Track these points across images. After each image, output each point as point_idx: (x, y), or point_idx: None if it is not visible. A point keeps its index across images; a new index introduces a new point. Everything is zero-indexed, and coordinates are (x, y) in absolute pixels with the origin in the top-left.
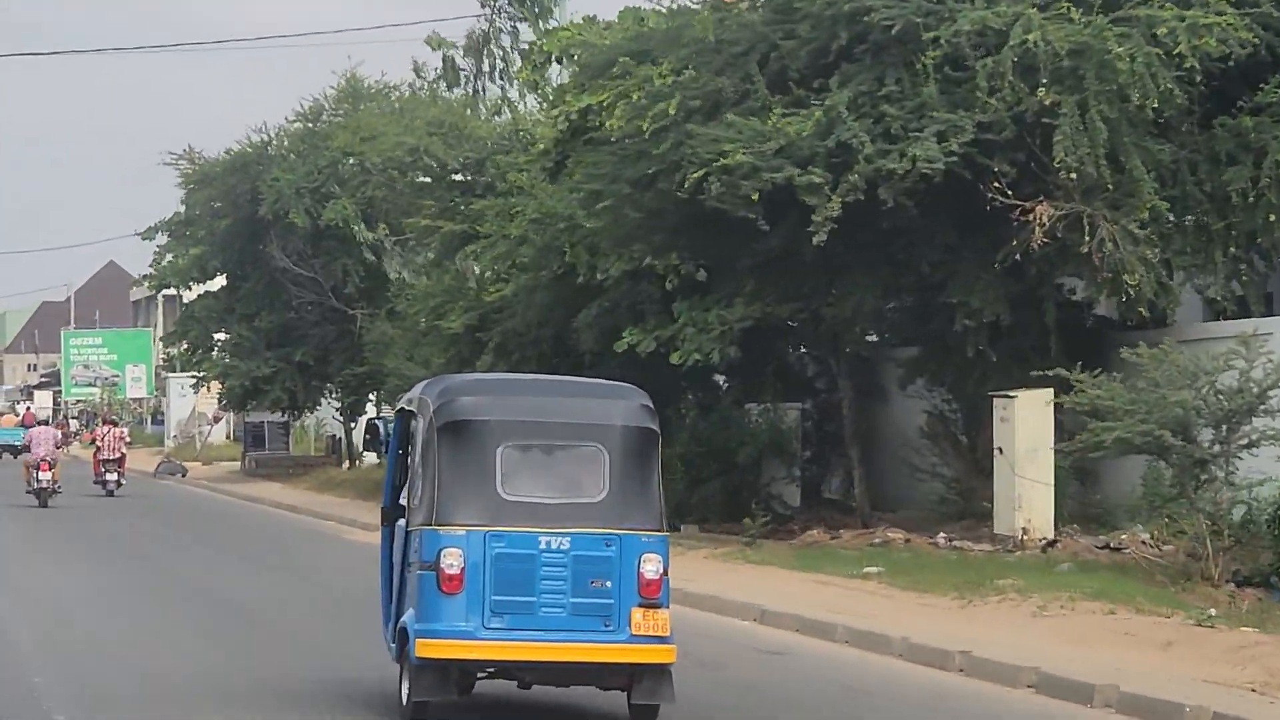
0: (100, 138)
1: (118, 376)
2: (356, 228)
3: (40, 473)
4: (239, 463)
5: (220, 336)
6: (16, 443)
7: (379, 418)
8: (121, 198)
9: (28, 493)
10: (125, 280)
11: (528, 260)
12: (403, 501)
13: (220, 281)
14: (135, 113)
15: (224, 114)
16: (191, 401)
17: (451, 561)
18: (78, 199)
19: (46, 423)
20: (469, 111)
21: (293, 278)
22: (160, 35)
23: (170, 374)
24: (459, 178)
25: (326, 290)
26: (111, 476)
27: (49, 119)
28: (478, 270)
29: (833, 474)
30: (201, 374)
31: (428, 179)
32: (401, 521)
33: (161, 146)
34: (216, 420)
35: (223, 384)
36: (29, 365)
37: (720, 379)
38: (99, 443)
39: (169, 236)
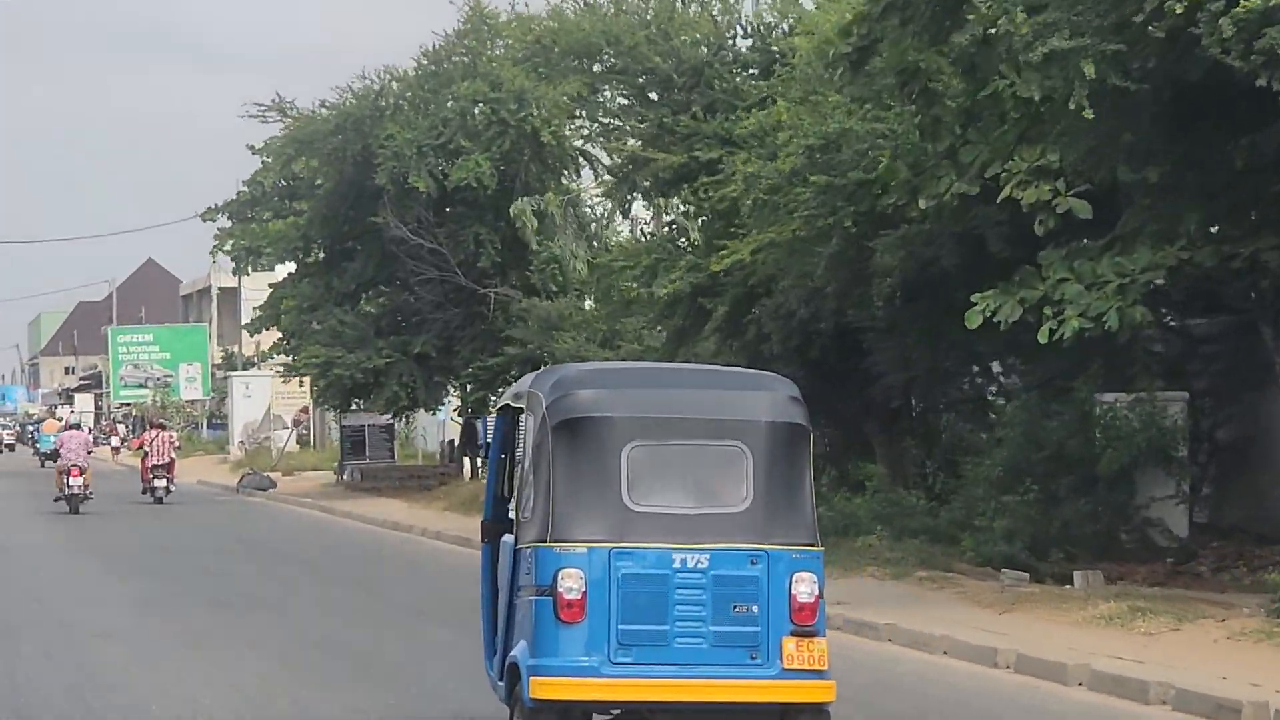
0: (137, 128)
1: (170, 376)
2: (490, 187)
3: (71, 478)
4: (329, 473)
5: (311, 327)
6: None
7: (474, 417)
8: (161, 192)
9: (56, 500)
10: (165, 278)
11: (803, 204)
12: (512, 515)
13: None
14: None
15: None
16: (260, 402)
17: (571, 585)
18: (113, 192)
19: (77, 426)
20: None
21: (410, 250)
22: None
23: (233, 373)
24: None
25: (453, 265)
26: (160, 483)
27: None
28: (698, 222)
29: (1230, 490)
30: (297, 368)
31: (623, 98)
32: (507, 538)
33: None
34: (298, 424)
35: (322, 380)
36: (66, 368)
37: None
38: (147, 448)
39: (232, 219)
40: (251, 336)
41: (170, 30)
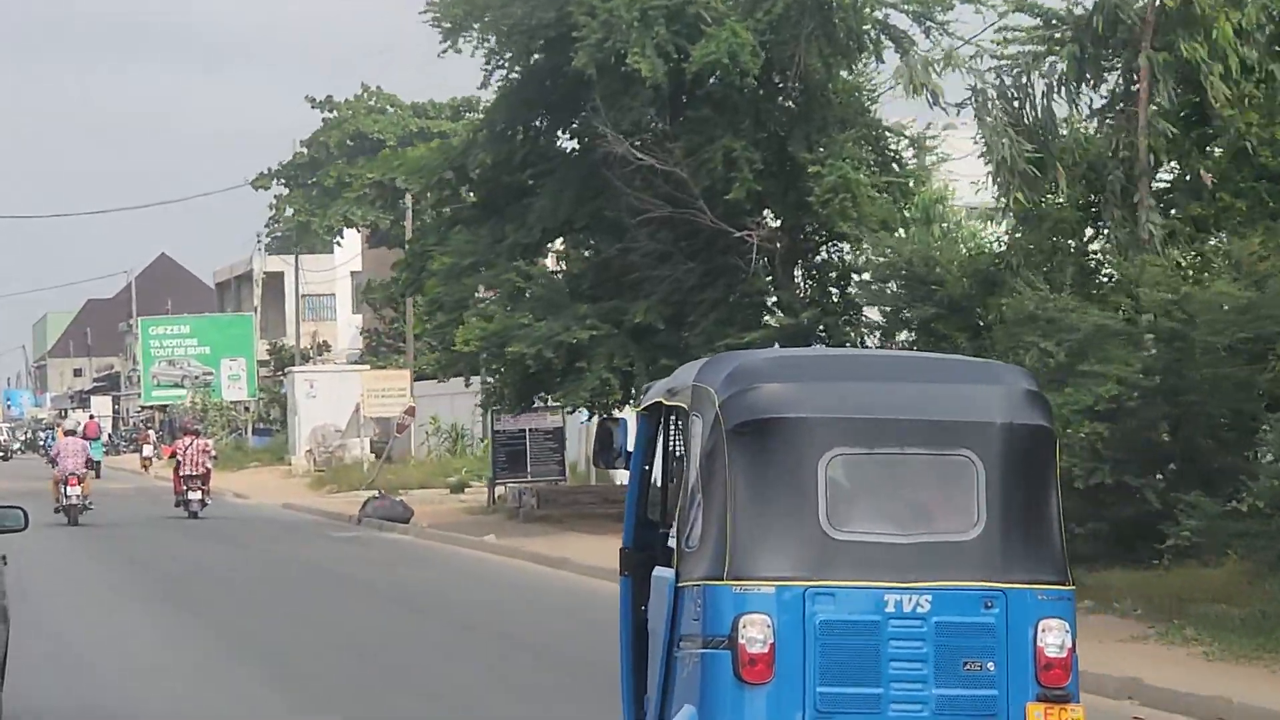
0: (146, 124)
1: (211, 375)
2: (750, 74)
3: (69, 488)
4: (444, 492)
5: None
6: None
7: (609, 418)
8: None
9: (56, 510)
10: (181, 274)
11: None
12: (670, 543)
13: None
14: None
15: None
16: (326, 403)
17: (755, 635)
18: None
19: (74, 433)
20: None
21: (626, 176)
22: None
23: (296, 368)
24: None
25: (692, 195)
26: (195, 496)
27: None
28: None
29: None
30: (449, 355)
31: None
32: (662, 572)
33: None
34: (402, 429)
35: (493, 363)
36: (75, 370)
37: None
38: (179, 457)
39: (288, 186)
40: (380, 310)
41: (176, 26)
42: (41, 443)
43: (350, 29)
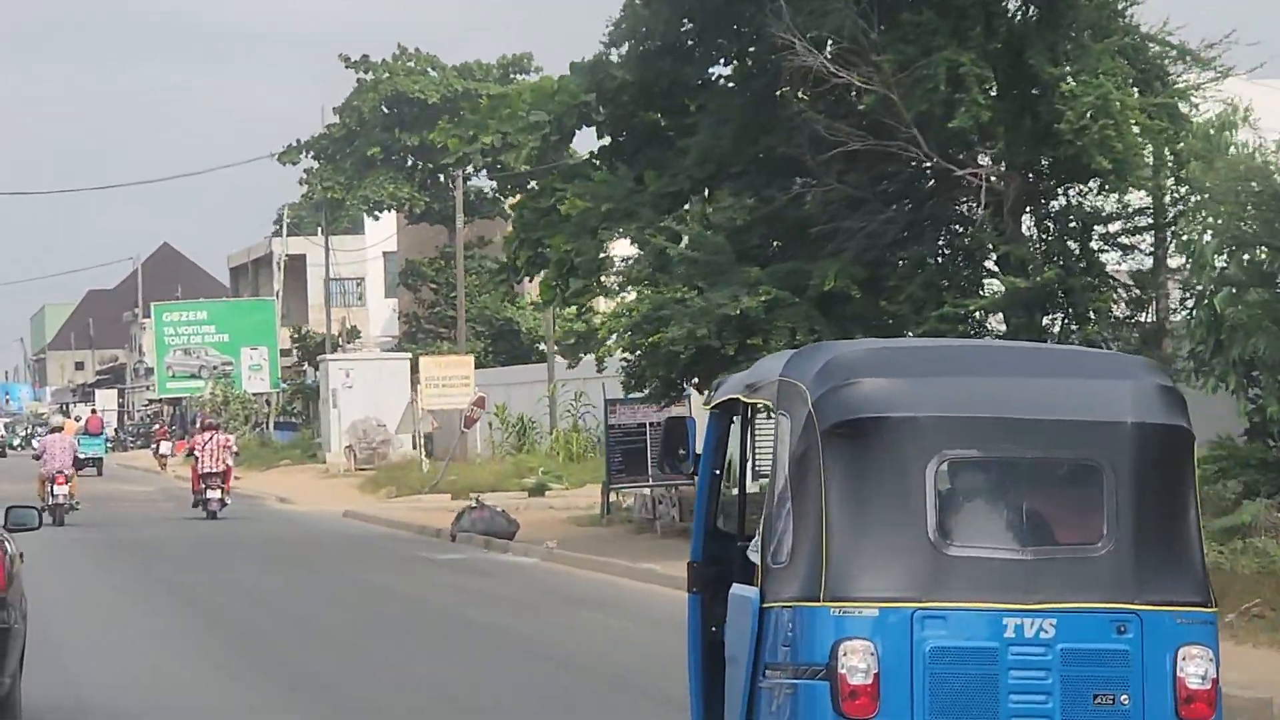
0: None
1: (230, 364)
2: None
3: (56, 486)
4: (523, 495)
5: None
6: (81, 454)
7: (675, 417)
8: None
9: (41, 510)
10: (184, 264)
11: None
12: (750, 556)
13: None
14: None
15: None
16: (366, 394)
17: (856, 664)
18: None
19: (61, 429)
20: None
21: (810, 103)
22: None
23: (330, 357)
24: None
25: (904, 124)
26: (214, 494)
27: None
28: None
29: None
30: (600, 328)
31: None
32: (742, 591)
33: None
34: (470, 423)
35: (638, 344)
36: (76, 363)
37: None
38: (197, 453)
39: (318, 159)
40: (418, 293)
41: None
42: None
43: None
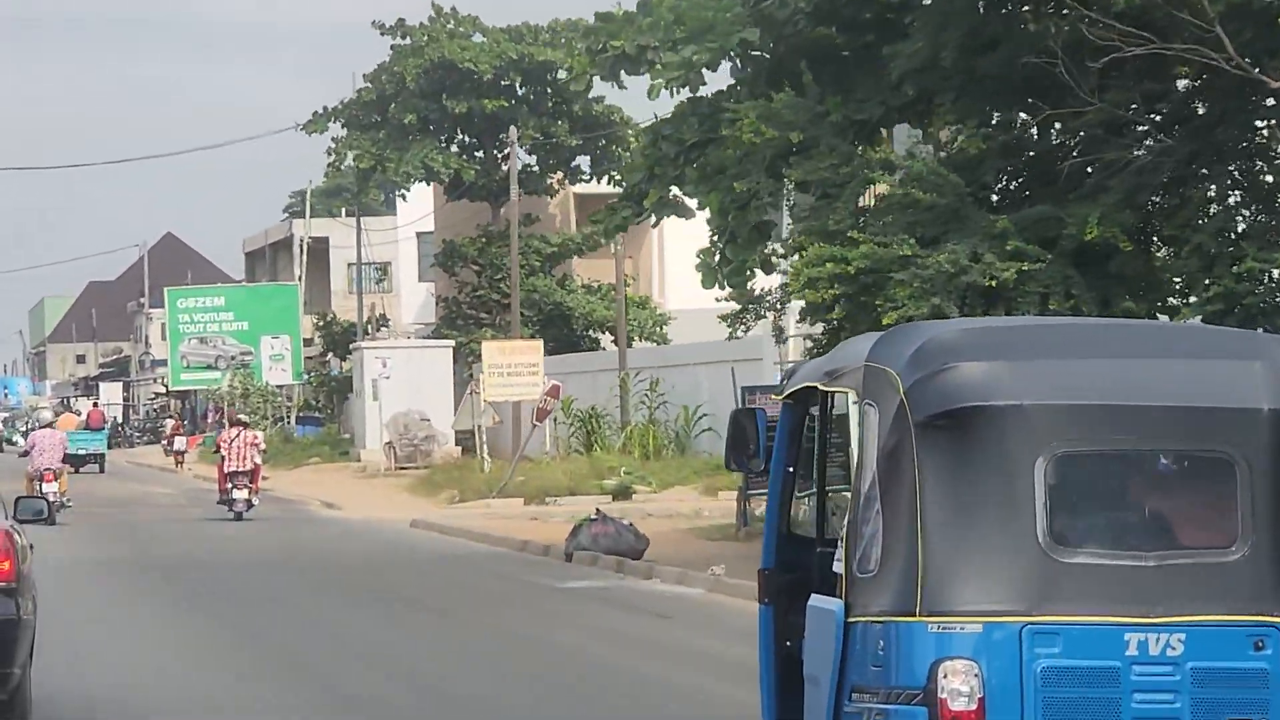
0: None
1: (250, 354)
2: None
3: (45, 484)
4: (596, 499)
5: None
6: (83, 450)
7: (743, 409)
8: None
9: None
10: (189, 255)
11: None
12: (835, 563)
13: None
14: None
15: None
16: (405, 385)
17: (959, 686)
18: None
19: (52, 425)
20: None
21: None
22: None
23: (365, 344)
24: None
25: (1206, 21)
26: (241, 495)
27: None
28: None
29: None
30: (792, 280)
31: None
32: (822, 602)
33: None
34: (543, 415)
35: (844, 308)
36: (77, 356)
37: None
38: (224, 451)
39: (348, 127)
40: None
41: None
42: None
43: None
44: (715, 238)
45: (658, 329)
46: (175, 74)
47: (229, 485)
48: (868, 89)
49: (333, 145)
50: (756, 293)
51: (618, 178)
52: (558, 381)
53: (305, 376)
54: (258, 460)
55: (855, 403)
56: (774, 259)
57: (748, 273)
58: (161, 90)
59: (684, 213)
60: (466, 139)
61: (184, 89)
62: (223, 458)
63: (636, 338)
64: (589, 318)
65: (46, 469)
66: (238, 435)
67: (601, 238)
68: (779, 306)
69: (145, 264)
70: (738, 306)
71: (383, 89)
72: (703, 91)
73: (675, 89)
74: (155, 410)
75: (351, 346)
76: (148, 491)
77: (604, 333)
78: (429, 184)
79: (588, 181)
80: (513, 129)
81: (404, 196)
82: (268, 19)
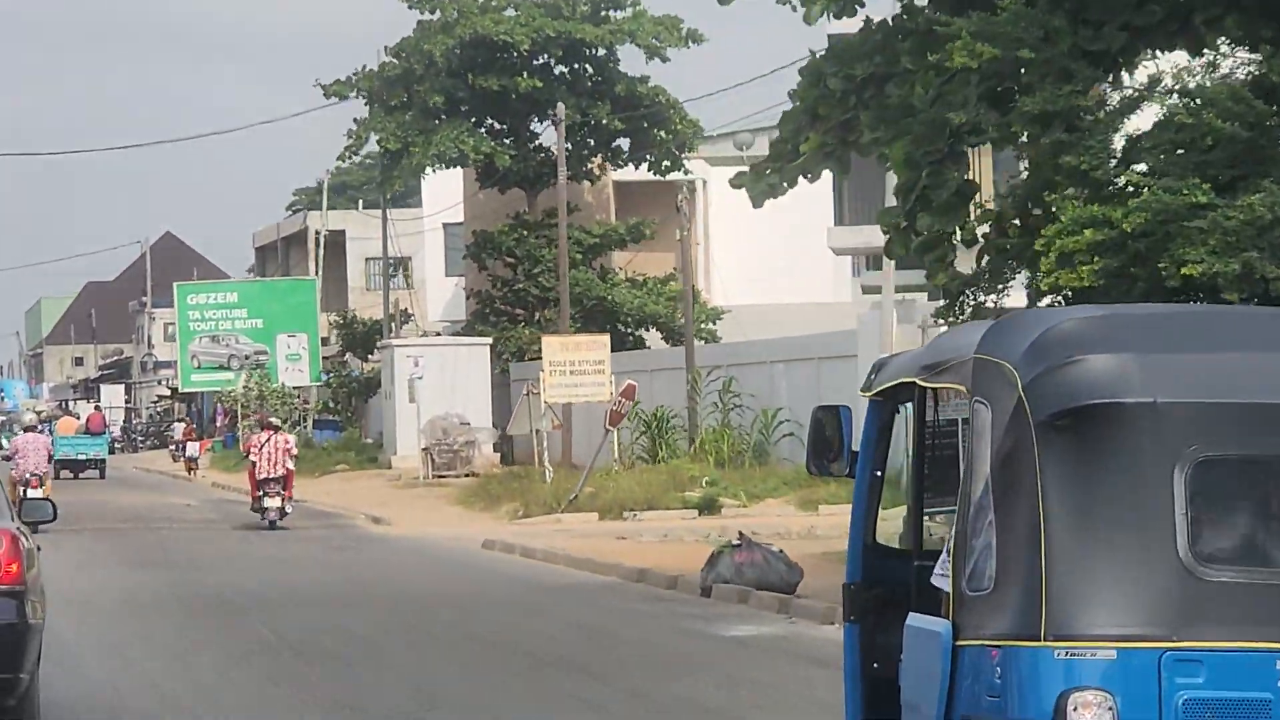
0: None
1: (265, 353)
2: None
3: (29, 490)
4: (694, 520)
5: None
6: (83, 455)
7: (826, 406)
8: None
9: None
10: (189, 255)
11: None
12: (935, 580)
13: None
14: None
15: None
16: (440, 386)
17: (1089, 719)
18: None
19: (37, 429)
20: None
21: None
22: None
23: (395, 341)
24: None
25: None
26: (274, 503)
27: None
28: None
29: None
30: (1048, 248)
31: None
32: (923, 621)
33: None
34: (617, 420)
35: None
36: (75, 358)
37: None
38: (254, 455)
39: (371, 103)
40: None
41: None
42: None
43: None
44: (900, 200)
45: (708, 324)
46: (176, 78)
47: (260, 492)
48: (1102, 8)
49: (354, 126)
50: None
51: (664, 164)
52: (633, 381)
53: (324, 377)
54: (290, 466)
55: (967, 400)
56: (977, 229)
57: (947, 246)
58: (165, 95)
59: (844, 166)
60: (498, 123)
61: (188, 94)
62: (253, 463)
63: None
64: (639, 313)
65: (31, 474)
66: (269, 439)
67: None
68: (998, 290)
69: (148, 260)
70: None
71: (408, 66)
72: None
73: (830, 14)
74: (159, 414)
75: (379, 344)
76: (167, 502)
77: (650, 330)
78: (459, 168)
79: (628, 167)
80: (560, 105)
81: (427, 180)
82: (275, 24)
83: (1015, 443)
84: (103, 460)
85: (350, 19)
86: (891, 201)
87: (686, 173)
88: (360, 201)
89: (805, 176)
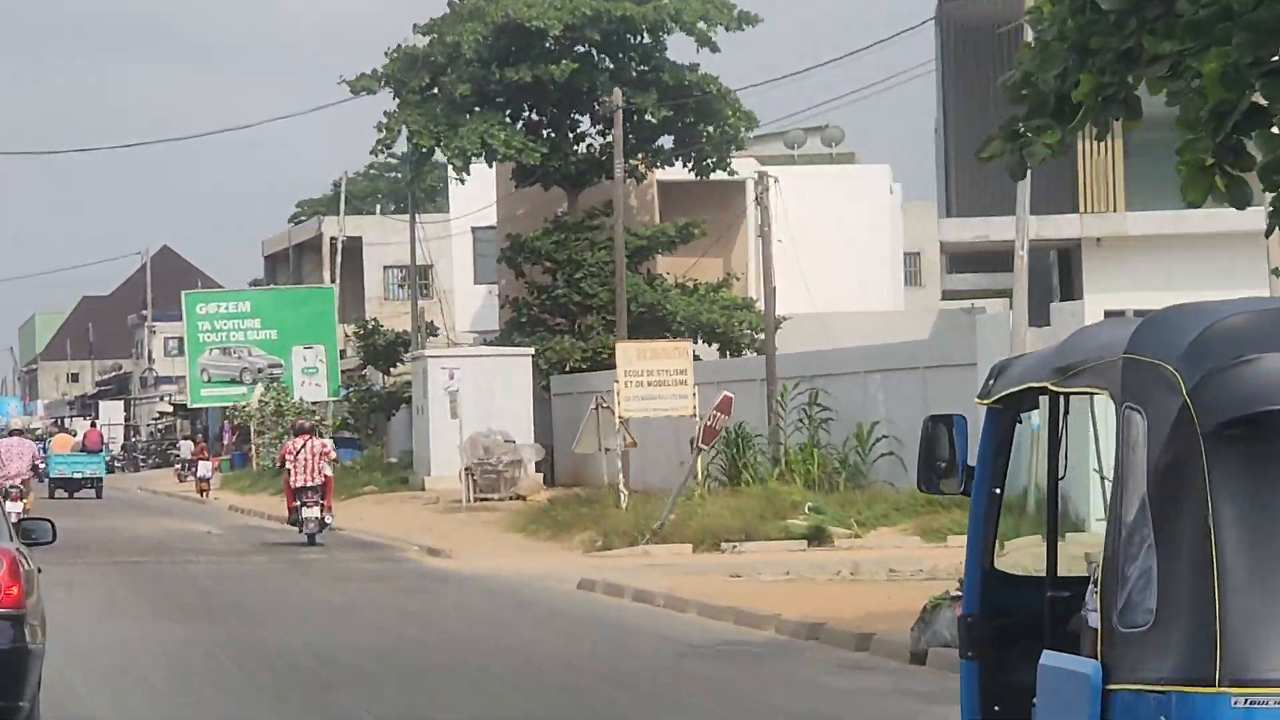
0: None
1: (279, 367)
2: None
3: (9, 503)
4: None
5: None
6: (79, 474)
7: (939, 416)
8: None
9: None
10: (185, 269)
11: None
12: (1086, 612)
13: None
14: None
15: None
16: (477, 401)
17: None
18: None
19: (21, 433)
20: None
21: None
22: None
23: (428, 352)
24: None
25: None
26: (312, 513)
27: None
28: None
29: None
30: None
31: None
32: (1061, 662)
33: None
34: (712, 436)
35: None
36: (70, 374)
37: None
38: (290, 463)
39: (398, 95)
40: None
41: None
42: None
43: None
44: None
45: (759, 334)
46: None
47: (297, 502)
48: None
49: (384, 120)
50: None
51: (708, 162)
52: (729, 392)
53: (343, 391)
54: (328, 472)
55: (1118, 407)
56: None
57: None
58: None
59: (1133, 110)
60: (535, 115)
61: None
62: (289, 471)
63: (743, 346)
64: (692, 321)
65: (10, 486)
66: (305, 444)
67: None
68: None
69: (148, 271)
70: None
71: (434, 52)
72: None
73: None
74: (160, 431)
75: (411, 355)
76: (184, 529)
77: (701, 340)
78: (490, 165)
79: (673, 165)
80: (616, 90)
81: (462, 180)
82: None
83: (1178, 455)
84: (99, 479)
85: (358, 22)
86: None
87: (732, 172)
88: (378, 207)
89: (1087, 131)
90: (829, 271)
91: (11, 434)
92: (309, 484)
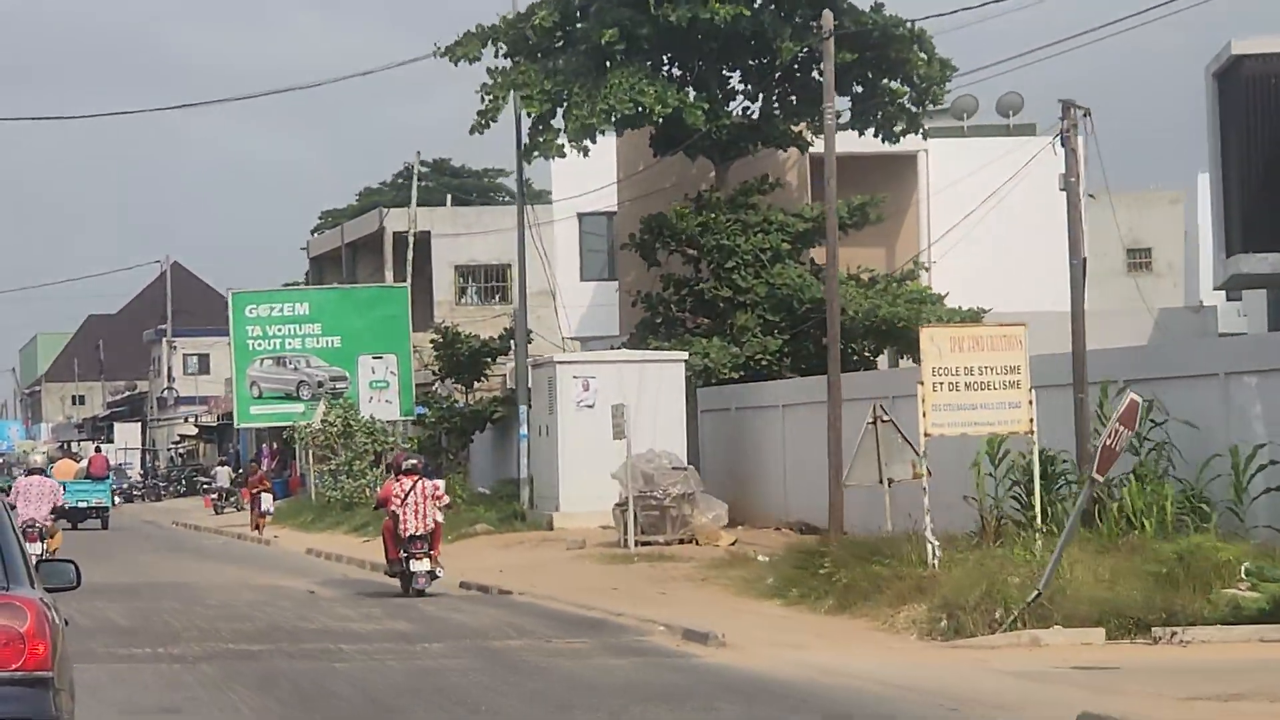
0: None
1: (345, 380)
2: None
3: (30, 544)
4: None
5: None
6: (84, 502)
7: None
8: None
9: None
10: (197, 285)
11: None
12: None
13: None
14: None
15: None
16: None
17: None
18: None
19: (44, 472)
20: None
21: None
22: None
23: (560, 358)
24: None
25: None
26: (421, 566)
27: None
28: None
29: None
30: None
31: None
32: None
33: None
34: (1110, 460)
35: None
36: (75, 396)
37: None
38: (397, 507)
39: (512, 58)
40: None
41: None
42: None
43: None
44: None
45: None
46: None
47: (403, 553)
48: None
49: (487, 83)
50: None
51: (896, 126)
52: (1135, 395)
53: (421, 410)
54: (439, 518)
55: None
56: None
57: None
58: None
59: None
60: (674, 70)
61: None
62: (396, 516)
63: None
64: (869, 320)
65: (30, 526)
66: (414, 486)
67: None
68: None
69: (168, 281)
70: None
71: (567, 6)
72: None
73: None
74: (182, 455)
75: (532, 361)
76: (276, 586)
77: (871, 342)
78: (620, 133)
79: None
80: (826, 12)
81: (585, 152)
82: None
83: None
84: (106, 508)
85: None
86: None
87: (925, 137)
88: (448, 199)
89: None
90: (1002, 265)
91: (31, 473)
92: (419, 533)
